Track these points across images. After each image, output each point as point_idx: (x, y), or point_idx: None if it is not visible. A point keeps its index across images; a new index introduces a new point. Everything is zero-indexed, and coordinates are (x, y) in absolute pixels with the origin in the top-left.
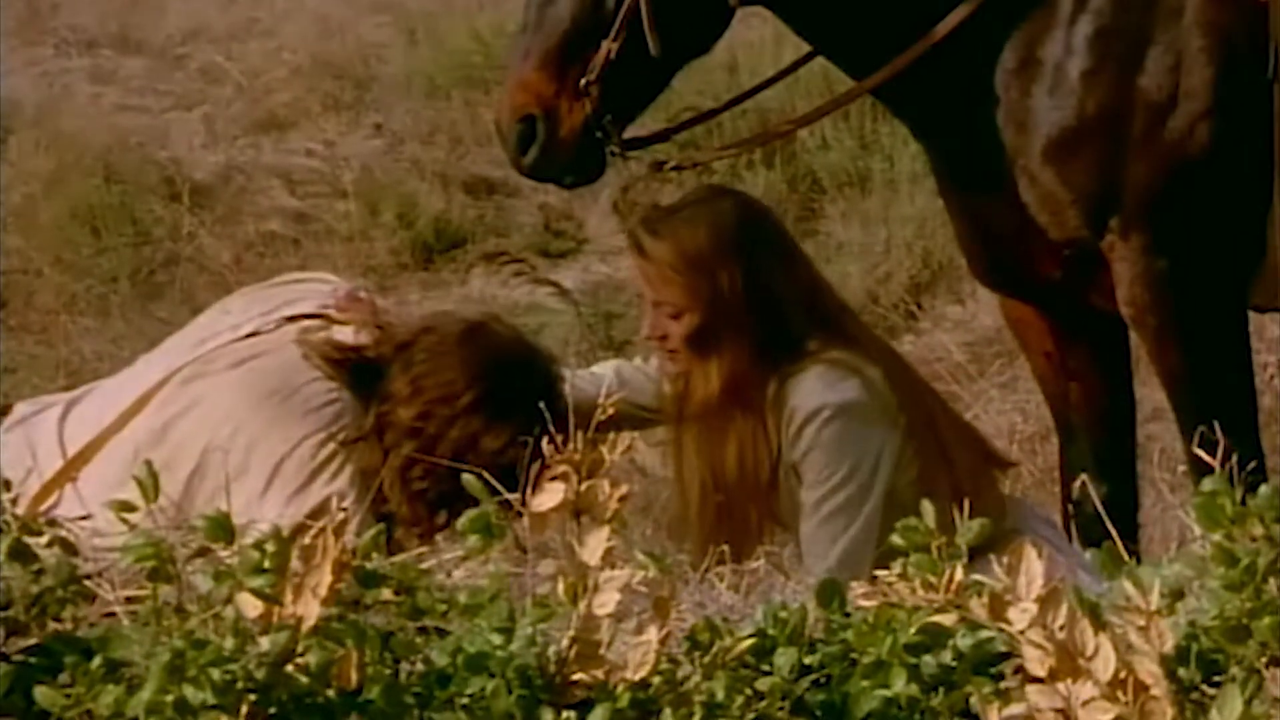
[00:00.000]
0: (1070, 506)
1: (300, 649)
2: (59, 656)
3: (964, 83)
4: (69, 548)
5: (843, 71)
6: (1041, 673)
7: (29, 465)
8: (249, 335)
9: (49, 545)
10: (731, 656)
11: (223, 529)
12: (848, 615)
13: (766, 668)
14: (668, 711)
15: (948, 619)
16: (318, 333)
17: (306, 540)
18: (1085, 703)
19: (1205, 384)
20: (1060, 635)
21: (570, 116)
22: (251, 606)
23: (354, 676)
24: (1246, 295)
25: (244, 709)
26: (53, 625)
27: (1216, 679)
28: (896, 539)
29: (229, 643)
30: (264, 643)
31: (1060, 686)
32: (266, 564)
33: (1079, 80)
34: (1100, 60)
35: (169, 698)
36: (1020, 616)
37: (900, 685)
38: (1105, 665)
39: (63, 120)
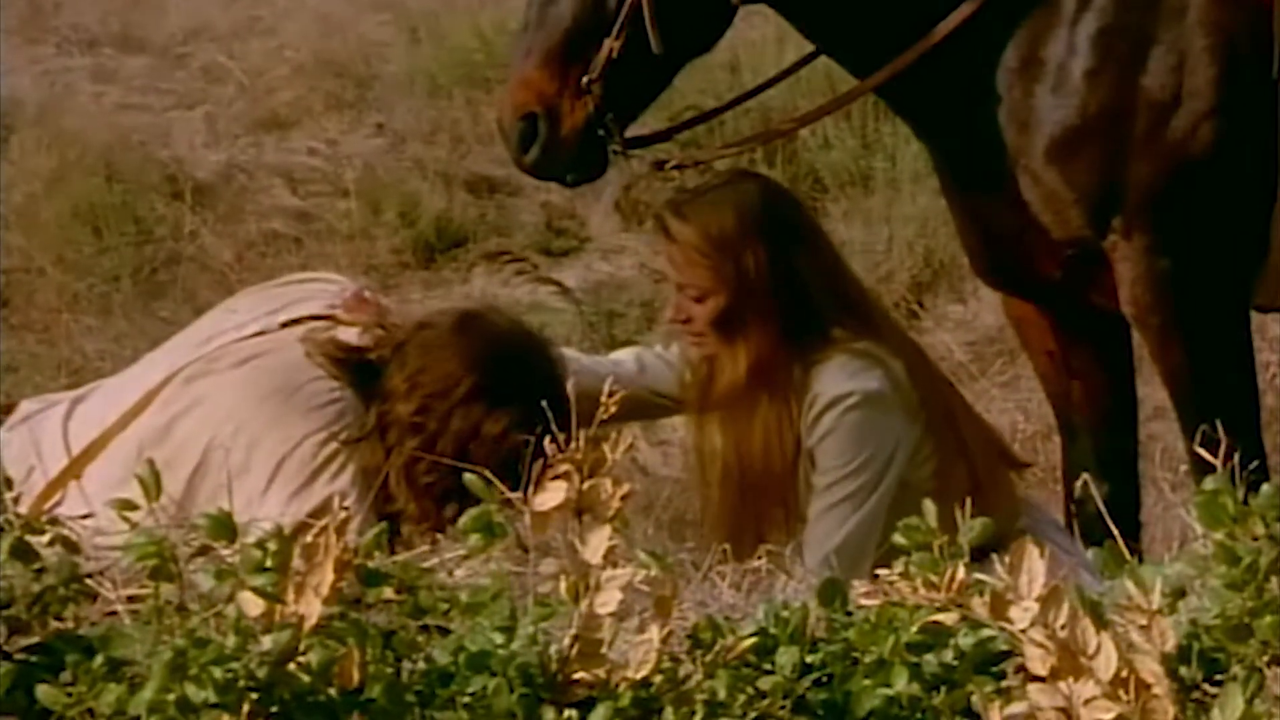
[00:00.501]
0: (1073, 506)
1: (302, 648)
2: (61, 655)
3: (966, 82)
4: (71, 546)
5: (845, 70)
6: (1043, 671)
7: (34, 463)
8: (254, 335)
9: (51, 544)
10: (733, 655)
11: (225, 527)
12: (849, 614)
13: (768, 666)
14: (669, 710)
15: (949, 618)
16: (323, 333)
17: (308, 539)
18: (1087, 701)
19: (1207, 383)
20: (1062, 634)
21: (572, 115)
22: (253, 605)
23: (356, 675)
24: (1249, 295)
25: (246, 708)
26: (54, 624)
27: (1218, 678)
28: (899, 538)
29: (231, 641)
30: (266, 641)
31: (1062, 685)
32: (268, 563)
33: (1082, 80)
34: (1103, 60)
35: (171, 696)
36: (1022, 615)
37: (902, 684)
38: (1107, 664)
39: (64, 119)
